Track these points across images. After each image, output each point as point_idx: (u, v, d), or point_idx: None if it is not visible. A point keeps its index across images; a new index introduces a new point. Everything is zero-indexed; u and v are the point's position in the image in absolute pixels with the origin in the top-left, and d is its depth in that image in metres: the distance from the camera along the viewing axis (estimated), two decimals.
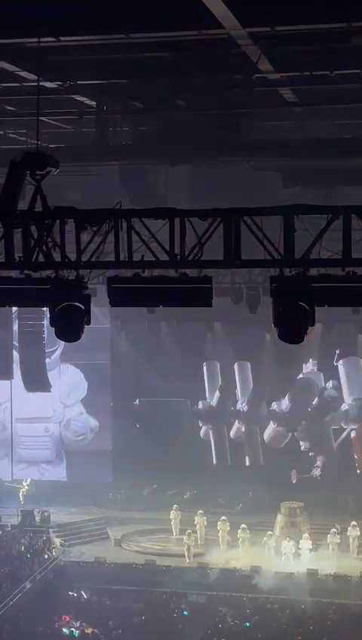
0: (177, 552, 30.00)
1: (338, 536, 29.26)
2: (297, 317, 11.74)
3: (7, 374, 33.92)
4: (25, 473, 35.38)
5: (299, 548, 28.96)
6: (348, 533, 29.44)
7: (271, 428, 32.92)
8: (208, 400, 33.85)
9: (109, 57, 13.91)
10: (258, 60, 13.37)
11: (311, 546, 29.00)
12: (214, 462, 33.74)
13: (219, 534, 30.14)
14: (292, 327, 11.92)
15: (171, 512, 31.40)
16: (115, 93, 16.49)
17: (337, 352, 31.52)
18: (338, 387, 31.86)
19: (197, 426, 34.37)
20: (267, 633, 24.86)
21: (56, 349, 34.32)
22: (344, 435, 31.70)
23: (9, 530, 31.68)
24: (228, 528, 30.11)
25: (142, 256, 12.11)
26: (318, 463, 31.60)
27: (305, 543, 29.01)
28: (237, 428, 33.57)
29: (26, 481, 34.50)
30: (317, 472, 31.30)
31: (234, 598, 26.90)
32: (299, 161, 18.81)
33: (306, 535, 29.29)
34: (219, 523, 30.21)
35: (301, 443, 32.39)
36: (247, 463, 33.37)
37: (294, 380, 32.26)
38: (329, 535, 29.24)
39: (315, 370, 32.28)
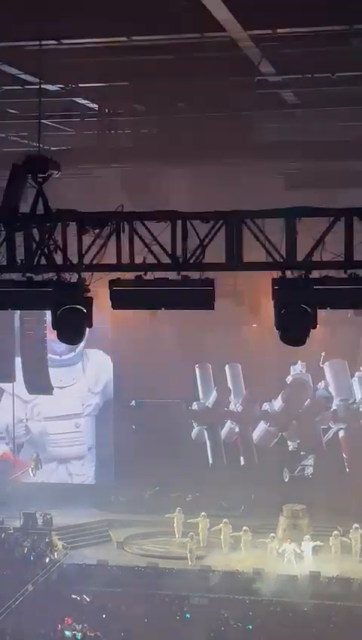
0: (179, 554, 29.98)
1: (341, 539, 29.25)
2: (299, 319, 11.75)
3: (9, 377, 33.91)
4: (56, 476, 35.62)
5: (301, 550, 28.93)
6: (350, 536, 29.42)
7: (261, 428, 33.34)
8: (203, 401, 34.07)
9: (111, 60, 13.92)
10: (259, 63, 13.38)
11: (313, 549, 28.98)
12: (210, 462, 33.87)
13: (222, 537, 30.12)
14: (294, 330, 11.92)
15: (174, 515, 31.41)
16: (116, 96, 16.50)
17: (323, 354, 31.92)
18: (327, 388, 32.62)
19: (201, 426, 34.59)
20: (269, 636, 24.86)
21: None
22: (331, 434, 32.24)
23: (11, 533, 31.65)
24: (231, 531, 30.09)
25: (144, 258, 12.10)
26: (310, 462, 31.94)
27: (308, 545, 28.98)
28: (230, 428, 33.84)
29: (33, 457, 34.68)
30: (309, 470, 31.73)
31: (236, 601, 26.88)
32: (300, 164, 18.83)
33: (308, 537, 29.27)
34: (221, 525, 30.19)
35: (289, 443, 32.80)
36: (242, 463, 33.58)
37: (283, 382, 32.71)
38: (331, 537, 29.20)
39: (304, 371, 32.73)
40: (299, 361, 32.29)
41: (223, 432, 33.94)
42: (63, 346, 34.22)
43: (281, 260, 11.66)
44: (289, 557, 28.84)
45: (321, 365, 32.29)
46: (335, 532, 29.31)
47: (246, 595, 27.07)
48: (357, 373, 32.17)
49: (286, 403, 32.06)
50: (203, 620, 25.69)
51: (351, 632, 24.63)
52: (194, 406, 34.12)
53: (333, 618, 25.73)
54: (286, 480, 32.14)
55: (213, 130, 17.29)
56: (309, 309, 11.68)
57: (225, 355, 32.67)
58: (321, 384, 32.25)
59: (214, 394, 33.78)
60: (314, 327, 11.84)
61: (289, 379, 32.53)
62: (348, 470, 32.36)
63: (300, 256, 11.66)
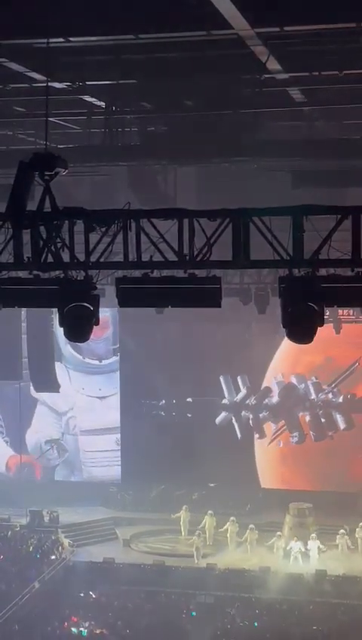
0: (186, 552, 30.01)
1: (347, 537, 29.25)
2: (306, 317, 11.74)
3: (16, 375, 33.91)
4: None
5: (307, 549, 28.95)
6: (356, 534, 29.42)
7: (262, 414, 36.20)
8: (229, 398, 35.53)
9: (118, 58, 13.91)
10: (266, 60, 13.36)
11: (319, 547, 28.98)
12: (239, 436, 35.48)
13: (228, 535, 30.14)
14: (301, 328, 11.92)
15: (180, 513, 31.43)
16: (123, 93, 16.48)
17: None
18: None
19: (211, 424, 35.03)
20: (275, 634, 24.87)
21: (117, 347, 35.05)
22: (299, 417, 35.97)
23: (18, 531, 31.73)
24: (237, 529, 30.12)
25: (151, 256, 12.11)
26: (295, 434, 35.34)
27: (314, 543, 29.00)
28: (245, 415, 35.80)
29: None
30: (295, 439, 35.44)
31: (242, 599, 26.91)
32: (307, 162, 18.79)
33: (315, 536, 29.28)
34: (228, 523, 30.21)
35: (271, 424, 36.03)
36: (256, 437, 35.58)
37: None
38: (337, 536, 29.23)
39: (283, 379, 35.58)
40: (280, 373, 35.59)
41: (243, 418, 35.75)
42: (103, 349, 34.67)
43: (288, 258, 11.66)
44: (296, 555, 28.89)
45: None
46: (342, 530, 29.36)
47: (252, 593, 27.11)
48: (308, 380, 35.37)
49: (281, 398, 35.47)
50: (209, 618, 25.74)
51: (357, 630, 24.63)
52: (225, 400, 35.46)
53: (339, 616, 25.75)
54: (281, 445, 35.50)
55: (221, 128, 17.26)
56: (316, 307, 11.68)
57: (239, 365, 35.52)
58: (302, 386, 35.45)
59: (243, 391, 35.50)
60: (321, 325, 11.84)
61: (273, 384, 35.58)
62: (313, 440, 35.32)
63: (307, 254, 11.65)
